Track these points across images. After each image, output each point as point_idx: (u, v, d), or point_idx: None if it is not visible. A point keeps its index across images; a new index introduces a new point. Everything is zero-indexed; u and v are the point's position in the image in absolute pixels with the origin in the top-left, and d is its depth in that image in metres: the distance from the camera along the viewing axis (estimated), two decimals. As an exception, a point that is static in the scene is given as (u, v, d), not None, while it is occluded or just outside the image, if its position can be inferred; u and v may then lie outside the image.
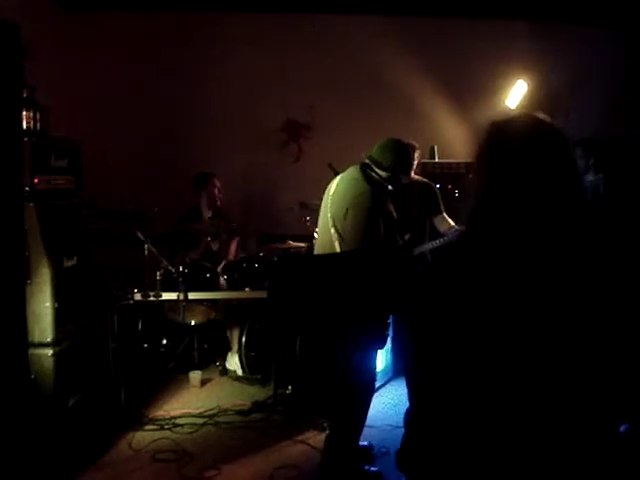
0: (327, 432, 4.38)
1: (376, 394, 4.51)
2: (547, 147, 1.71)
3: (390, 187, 4.31)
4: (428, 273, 1.82)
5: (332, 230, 4.17)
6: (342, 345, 4.17)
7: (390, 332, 5.03)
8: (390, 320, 4.20)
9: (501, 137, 1.76)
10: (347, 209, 4.09)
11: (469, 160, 7.01)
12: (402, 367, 5.05)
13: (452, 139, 7.31)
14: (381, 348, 4.26)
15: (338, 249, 4.11)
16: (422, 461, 1.77)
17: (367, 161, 4.23)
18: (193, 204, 6.45)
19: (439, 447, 1.71)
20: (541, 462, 1.58)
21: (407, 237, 4.99)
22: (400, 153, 4.24)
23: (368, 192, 4.06)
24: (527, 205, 1.66)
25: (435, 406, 1.73)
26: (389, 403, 5.30)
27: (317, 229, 4.59)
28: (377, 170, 4.17)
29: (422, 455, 1.77)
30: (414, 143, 5.83)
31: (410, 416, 1.82)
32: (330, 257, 4.14)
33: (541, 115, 1.79)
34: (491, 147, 1.77)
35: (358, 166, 4.23)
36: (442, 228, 5.58)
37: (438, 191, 5.94)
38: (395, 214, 4.42)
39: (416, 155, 5.84)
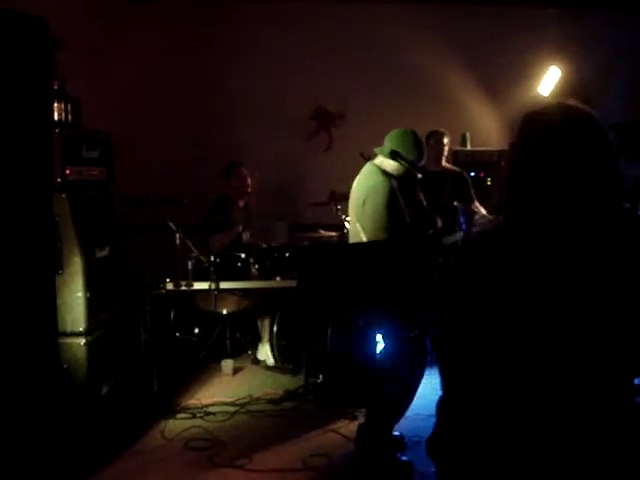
0: (360, 421, 4.38)
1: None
2: (583, 135, 1.69)
3: (420, 175, 4.30)
4: (462, 262, 1.81)
5: (355, 223, 4.21)
6: (372, 333, 4.17)
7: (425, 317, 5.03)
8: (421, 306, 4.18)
9: (536, 126, 1.75)
10: (364, 200, 4.14)
11: (501, 148, 6.96)
12: (435, 355, 5.03)
13: (484, 127, 7.24)
14: (413, 333, 4.23)
15: (364, 239, 4.12)
16: (452, 449, 1.76)
17: (379, 154, 4.25)
18: (223, 194, 6.45)
19: (469, 435, 1.71)
20: (571, 452, 1.56)
21: (439, 225, 4.97)
22: (409, 142, 4.22)
23: (380, 184, 4.08)
24: (562, 195, 1.65)
25: (466, 393, 1.73)
26: (421, 392, 5.26)
27: (348, 218, 4.60)
28: (394, 158, 4.17)
29: (452, 443, 1.76)
30: (442, 130, 5.78)
31: (441, 404, 1.82)
32: (359, 246, 4.14)
33: (575, 102, 1.76)
34: (526, 136, 1.76)
35: (372, 161, 4.27)
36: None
37: (470, 179, 5.90)
38: (425, 203, 4.41)
39: (446, 141, 5.79)
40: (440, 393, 1.86)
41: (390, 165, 4.21)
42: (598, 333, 1.55)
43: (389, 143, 4.23)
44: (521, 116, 1.80)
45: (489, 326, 1.66)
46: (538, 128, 1.74)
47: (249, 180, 6.44)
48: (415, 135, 4.27)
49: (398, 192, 4.12)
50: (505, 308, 1.63)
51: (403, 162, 4.17)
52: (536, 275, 1.61)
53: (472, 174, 6.29)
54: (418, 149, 4.23)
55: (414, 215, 4.22)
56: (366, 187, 4.19)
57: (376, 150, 4.31)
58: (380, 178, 4.14)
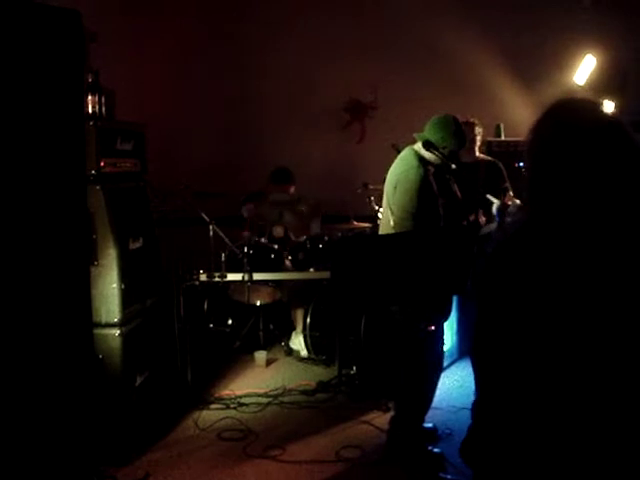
0: (392, 413, 4.38)
1: (442, 375, 4.46)
2: (607, 137, 1.66)
3: (453, 166, 4.27)
4: (493, 257, 1.79)
5: (387, 208, 4.20)
6: (406, 324, 4.16)
7: (455, 311, 5.01)
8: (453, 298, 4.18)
9: (550, 128, 1.72)
10: (395, 186, 4.13)
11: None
12: (468, 349, 5.00)
13: (518, 117, 7.15)
14: (443, 321, 4.21)
15: (392, 225, 4.11)
16: (487, 454, 1.75)
17: (418, 140, 4.21)
18: (263, 189, 6.45)
19: (505, 440, 1.69)
20: (605, 455, 1.54)
21: (472, 217, 4.94)
22: (449, 129, 4.17)
23: (414, 169, 4.06)
24: (585, 195, 1.63)
25: (502, 397, 1.70)
26: (454, 384, 5.25)
27: (381, 209, 4.58)
28: (428, 149, 4.14)
29: (488, 448, 1.74)
30: (472, 119, 5.72)
31: (476, 407, 1.81)
32: (392, 237, 4.12)
33: (597, 101, 1.74)
34: (540, 139, 1.74)
35: (411, 146, 4.23)
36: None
37: (504, 170, 5.84)
38: (459, 193, 4.37)
39: (478, 131, 5.73)
40: (473, 388, 1.84)
41: (428, 152, 4.18)
42: (632, 331, 1.53)
43: (428, 131, 4.19)
44: (543, 114, 1.77)
45: (523, 329, 1.64)
46: (558, 126, 1.71)
47: (290, 195, 6.44)
48: (455, 122, 4.22)
49: (433, 180, 4.09)
50: (537, 311, 1.61)
51: (437, 153, 4.14)
52: (566, 277, 1.59)
53: (506, 164, 6.21)
54: (457, 136, 4.18)
55: (448, 205, 4.19)
56: (399, 172, 4.17)
57: (415, 136, 4.27)
58: (415, 164, 4.10)
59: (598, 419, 1.55)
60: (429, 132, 4.17)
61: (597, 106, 1.74)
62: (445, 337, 4.35)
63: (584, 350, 1.55)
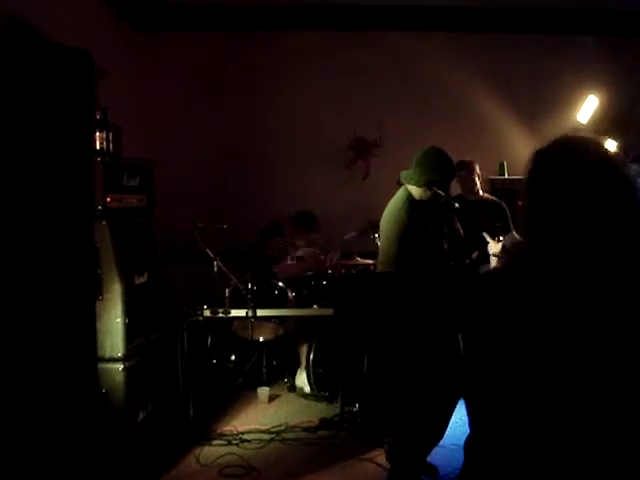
0: (389, 447, 4.35)
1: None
2: (599, 176, 1.67)
3: (457, 205, 4.30)
4: (485, 293, 1.80)
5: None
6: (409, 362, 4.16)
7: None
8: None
9: (547, 165, 1.74)
10: (382, 226, 4.20)
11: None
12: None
13: (522, 155, 7.12)
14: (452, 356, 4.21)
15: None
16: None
17: (403, 179, 4.26)
18: (278, 220, 6.52)
19: (499, 473, 1.69)
20: None
21: (475, 255, 4.96)
22: (428, 162, 4.19)
23: (399, 212, 4.10)
24: (577, 234, 1.64)
25: (495, 432, 1.70)
26: (458, 422, 5.22)
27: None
28: (430, 188, 4.17)
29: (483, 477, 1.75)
30: (470, 159, 5.77)
31: (470, 442, 1.80)
32: (394, 275, 4.14)
33: (596, 139, 1.76)
34: (537, 175, 1.75)
35: (406, 185, 4.27)
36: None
37: (508, 210, 5.87)
38: (462, 232, 4.40)
39: (477, 170, 5.77)
40: (467, 430, 1.84)
41: (417, 191, 4.20)
42: (630, 371, 1.54)
43: (416, 168, 4.20)
44: (534, 153, 1.79)
45: (515, 364, 1.64)
46: (553, 167, 1.73)
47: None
48: (438, 153, 4.24)
49: (421, 221, 4.10)
50: (530, 345, 1.61)
51: (439, 191, 4.17)
52: (561, 313, 1.59)
53: (509, 203, 6.24)
54: (439, 168, 4.19)
55: (450, 244, 4.22)
56: (386, 213, 4.21)
57: (403, 174, 4.29)
58: (401, 205, 4.13)
59: (589, 454, 1.55)
60: (414, 169, 4.19)
61: (597, 143, 1.75)
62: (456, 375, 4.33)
63: (577, 387, 1.55)
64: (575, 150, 1.74)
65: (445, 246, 4.29)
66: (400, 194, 4.26)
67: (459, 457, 1.87)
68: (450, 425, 5.02)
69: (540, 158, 1.77)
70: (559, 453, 1.57)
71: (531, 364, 1.61)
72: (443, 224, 4.31)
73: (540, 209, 1.72)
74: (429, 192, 4.16)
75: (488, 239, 5.19)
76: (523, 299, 1.65)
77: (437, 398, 4.15)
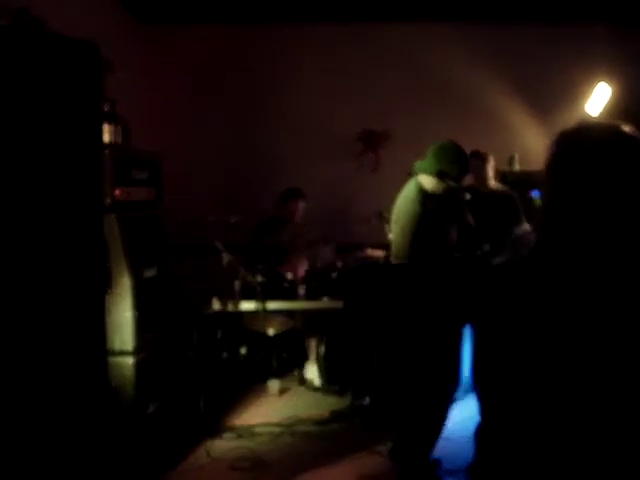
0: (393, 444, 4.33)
1: (455, 406, 4.43)
2: (620, 159, 1.62)
3: (468, 196, 4.28)
4: (493, 286, 1.78)
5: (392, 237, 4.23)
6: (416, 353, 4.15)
7: (468, 342, 4.98)
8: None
9: (569, 148, 1.71)
10: (394, 219, 4.21)
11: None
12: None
13: (532, 147, 7.16)
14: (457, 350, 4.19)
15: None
16: (493, 477, 1.73)
17: (417, 170, 4.23)
18: (274, 214, 6.49)
19: (509, 462, 1.68)
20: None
21: (486, 248, 4.93)
22: (448, 156, 4.17)
23: (412, 205, 4.07)
24: (598, 218, 1.60)
25: (506, 422, 1.69)
26: (467, 415, 5.20)
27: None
28: (442, 179, 4.14)
29: (493, 470, 1.73)
30: (483, 151, 5.74)
31: (480, 431, 1.79)
32: (405, 266, 4.12)
33: (617, 123, 1.71)
34: (559, 159, 1.72)
35: (416, 176, 4.25)
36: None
37: (519, 200, 5.83)
38: (473, 224, 4.38)
39: (490, 162, 5.75)
40: (477, 419, 1.82)
41: (430, 182, 4.17)
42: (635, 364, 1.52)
43: (431, 159, 4.18)
44: (557, 136, 1.73)
45: (526, 356, 1.62)
46: (577, 149, 1.69)
47: (301, 213, 6.48)
48: (455, 148, 4.22)
49: (434, 213, 4.08)
50: (540, 337, 1.59)
51: (451, 183, 4.15)
52: (571, 304, 1.57)
53: (520, 194, 6.21)
54: (458, 163, 4.17)
55: (460, 235, 4.19)
56: (399, 206, 4.19)
57: (417, 165, 4.27)
58: (414, 197, 4.11)
59: (598, 443, 1.53)
60: (433, 160, 4.16)
61: (617, 126, 1.71)
62: (461, 368, 4.32)
63: (587, 378, 1.53)
64: (596, 133, 1.70)
65: (455, 239, 4.27)
66: (412, 187, 4.24)
67: (468, 449, 1.85)
68: (460, 418, 5.03)
69: (560, 143, 1.73)
70: (568, 442, 1.56)
71: (541, 354, 1.59)
72: (455, 217, 4.28)
73: (559, 195, 1.68)
74: (443, 184, 4.14)
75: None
76: (535, 291, 1.63)
77: (436, 391, 4.13)
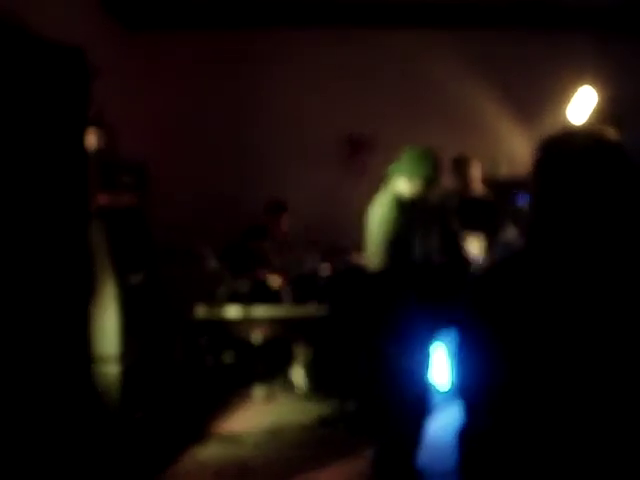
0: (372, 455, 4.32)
1: (439, 413, 4.44)
2: (604, 163, 1.66)
3: (453, 201, 4.31)
4: (481, 287, 1.79)
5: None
6: (396, 357, 4.14)
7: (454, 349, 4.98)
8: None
9: (554, 153, 1.73)
10: (368, 225, 4.21)
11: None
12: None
13: (517, 151, 7.20)
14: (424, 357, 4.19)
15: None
16: (480, 476, 1.74)
17: (391, 174, 4.23)
18: (260, 222, 6.49)
19: (497, 464, 1.68)
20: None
21: (472, 252, 4.95)
22: (427, 162, 4.17)
23: (386, 211, 4.08)
24: (583, 223, 1.63)
25: (490, 425, 1.70)
26: (452, 423, 5.21)
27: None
28: (404, 182, 4.16)
29: (479, 470, 1.74)
30: (469, 156, 5.77)
31: (464, 431, 1.79)
32: (388, 272, 4.12)
33: (600, 129, 1.74)
34: (544, 164, 1.74)
35: (392, 181, 4.25)
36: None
37: (501, 207, 5.87)
38: (456, 228, 4.39)
39: (475, 167, 5.77)
40: (460, 422, 1.83)
41: (405, 187, 4.16)
42: (629, 368, 1.53)
43: (411, 162, 4.17)
44: (543, 141, 1.77)
45: (511, 358, 1.63)
46: (562, 154, 1.71)
47: (285, 227, 6.48)
48: (433, 153, 4.22)
49: (407, 218, 4.08)
50: (526, 339, 1.60)
51: (429, 187, 4.17)
52: (558, 306, 1.58)
53: (504, 199, 6.24)
54: (436, 168, 4.17)
55: (445, 240, 4.20)
56: (373, 213, 4.19)
57: (393, 167, 4.26)
58: (387, 203, 4.11)
59: (586, 448, 1.55)
60: (407, 162, 4.15)
61: (598, 133, 1.74)
62: (431, 376, 4.31)
63: (575, 382, 1.55)
64: (580, 139, 1.73)
65: (434, 244, 4.26)
66: (386, 193, 4.23)
67: (452, 454, 1.86)
68: (445, 426, 5.04)
69: (546, 148, 1.76)
70: (555, 446, 1.57)
71: (529, 356, 1.60)
72: (431, 221, 4.28)
73: (546, 199, 1.71)
74: (421, 187, 4.13)
75: (470, 239, 5.20)
76: (525, 293, 1.64)
77: (413, 398, 4.13)
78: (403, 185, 4.16)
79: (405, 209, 4.09)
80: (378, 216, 4.13)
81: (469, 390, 1.78)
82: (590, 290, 1.57)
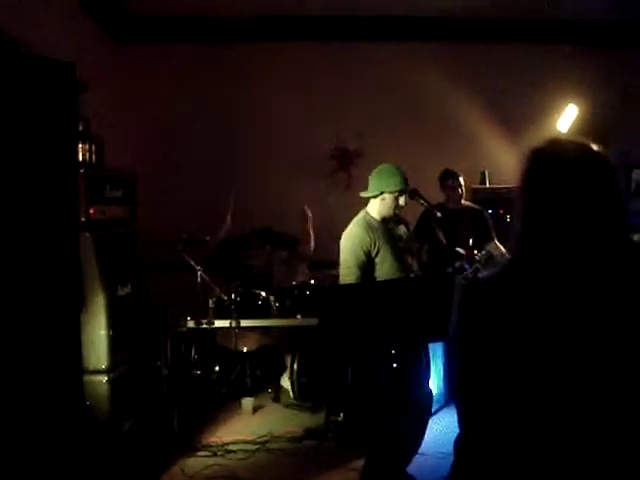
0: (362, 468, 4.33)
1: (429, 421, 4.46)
2: (591, 173, 1.70)
3: (439, 214, 4.34)
4: (474, 300, 1.82)
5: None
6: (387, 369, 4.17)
7: (442, 357, 5.03)
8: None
9: (543, 163, 1.77)
10: (340, 249, 4.23)
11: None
12: (452, 393, 5.02)
13: (503, 164, 7.27)
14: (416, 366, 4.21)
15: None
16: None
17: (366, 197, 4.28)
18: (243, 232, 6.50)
19: (490, 475, 1.71)
20: None
21: (457, 265, 4.99)
22: (383, 174, 4.22)
23: (354, 237, 4.13)
24: (570, 232, 1.66)
25: (486, 433, 1.71)
26: (442, 430, 5.23)
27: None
28: (413, 197, 4.21)
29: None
30: (456, 170, 5.83)
31: (460, 442, 1.81)
32: (378, 285, 4.16)
33: (586, 140, 1.78)
34: (533, 173, 1.77)
35: (365, 208, 4.30)
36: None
37: (489, 217, 5.92)
38: (444, 241, 4.43)
39: (460, 180, 5.83)
40: (457, 432, 1.85)
41: (376, 208, 4.22)
42: (620, 374, 1.56)
43: (390, 177, 4.20)
44: (530, 151, 1.80)
45: (507, 367, 1.65)
46: (549, 164, 1.75)
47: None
48: (392, 169, 4.25)
49: (378, 239, 4.12)
50: (521, 348, 1.63)
51: (422, 201, 4.21)
52: (552, 314, 1.61)
53: (490, 211, 6.30)
54: (395, 179, 4.21)
55: (432, 253, 4.25)
56: (345, 235, 4.23)
57: (362, 195, 4.31)
58: (356, 230, 4.16)
59: (581, 456, 1.57)
60: (386, 178, 4.19)
61: (584, 144, 1.77)
62: (425, 384, 4.34)
63: (570, 389, 1.57)
64: (568, 149, 1.77)
65: (411, 262, 4.31)
66: (359, 216, 4.28)
67: (444, 465, 1.87)
68: (435, 434, 5.06)
69: (533, 158, 1.79)
70: (551, 455, 1.59)
71: (525, 367, 1.62)
72: (409, 239, 4.34)
73: (535, 208, 1.74)
74: (393, 202, 4.16)
75: (462, 251, 5.24)
76: (518, 302, 1.67)
77: (406, 408, 4.15)
78: (374, 205, 4.22)
79: (374, 230, 4.15)
80: (349, 238, 4.17)
81: (468, 399, 1.79)
82: (586, 298, 1.60)
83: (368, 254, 4.08)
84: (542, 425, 1.60)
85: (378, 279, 4.11)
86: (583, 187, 1.68)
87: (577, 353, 1.58)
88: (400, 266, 4.16)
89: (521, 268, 1.74)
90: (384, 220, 4.22)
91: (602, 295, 1.60)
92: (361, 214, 4.28)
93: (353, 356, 5.23)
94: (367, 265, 4.08)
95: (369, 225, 4.16)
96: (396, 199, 4.15)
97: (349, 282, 4.07)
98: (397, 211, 4.20)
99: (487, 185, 7.39)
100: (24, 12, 4.80)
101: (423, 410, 4.28)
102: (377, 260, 4.10)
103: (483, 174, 7.41)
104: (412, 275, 4.26)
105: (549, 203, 1.71)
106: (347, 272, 4.10)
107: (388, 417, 4.15)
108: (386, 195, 4.15)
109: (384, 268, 4.10)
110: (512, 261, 1.81)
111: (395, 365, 4.02)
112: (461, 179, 5.84)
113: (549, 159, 1.77)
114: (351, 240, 4.14)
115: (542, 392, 1.60)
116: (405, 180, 4.16)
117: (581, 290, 1.61)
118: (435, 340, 4.29)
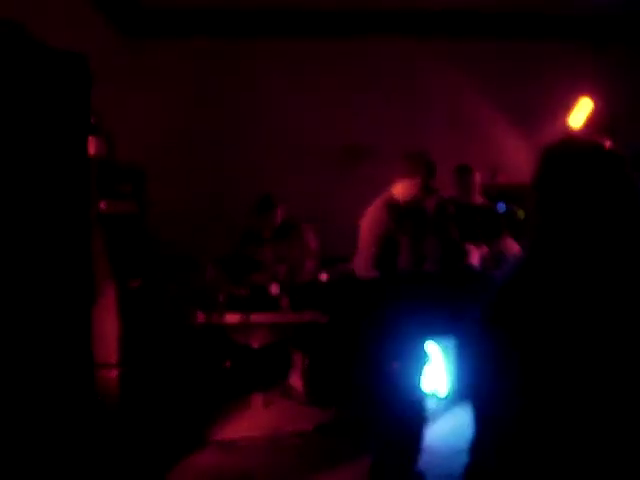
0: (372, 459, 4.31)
1: (438, 418, 4.44)
2: (604, 172, 1.69)
3: (453, 209, 4.32)
4: (495, 297, 1.80)
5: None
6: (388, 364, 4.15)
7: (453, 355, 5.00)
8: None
9: (557, 162, 1.75)
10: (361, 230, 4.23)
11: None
12: (464, 392, 4.99)
13: (515, 160, 7.23)
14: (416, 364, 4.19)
15: None
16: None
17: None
18: (249, 226, 6.48)
19: (505, 476, 1.69)
20: None
21: (468, 261, 4.96)
22: (409, 164, 4.19)
23: (373, 214, 4.09)
24: (585, 231, 1.65)
25: (500, 436, 1.70)
26: (452, 428, 5.21)
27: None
28: (400, 184, 4.18)
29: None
30: (470, 166, 5.80)
31: (474, 443, 1.79)
32: (386, 279, 4.13)
33: (599, 138, 1.76)
34: (547, 173, 1.76)
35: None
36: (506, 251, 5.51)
37: (501, 214, 5.88)
38: (457, 236, 4.40)
39: (475, 176, 5.80)
40: (471, 430, 1.83)
41: (400, 191, 4.18)
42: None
43: (400, 168, 4.19)
44: (543, 151, 1.80)
45: (523, 368, 1.64)
46: (563, 163, 1.74)
47: (278, 220, 6.46)
48: (421, 156, 4.24)
49: (397, 222, 4.08)
50: (537, 350, 1.61)
51: (438, 194, 4.19)
52: (567, 315, 1.60)
53: (502, 208, 6.26)
54: (423, 170, 4.18)
55: (445, 248, 4.21)
56: (365, 215, 4.21)
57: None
58: (378, 206, 4.13)
59: (596, 458, 1.55)
60: (398, 168, 4.19)
61: (596, 143, 1.76)
62: (425, 383, 4.31)
63: (584, 392, 1.56)
64: (582, 148, 1.76)
65: (428, 251, 4.27)
66: (380, 197, 4.25)
67: (454, 462, 1.86)
68: (445, 431, 5.04)
69: (547, 158, 1.77)
70: (564, 456, 1.57)
71: (541, 366, 1.61)
72: (427, 228, 4.30)
73: (549, 208, 1.72)
74: (415, 190, 4.14)
75: (472, 248, 5.21)
76: (534, 299, 1.66)
77: (408, 405, 4.13)
78: (398, 189, 4.19)
79: (396, 213, 4.11)
80: (369, 219, 4.14)
81: (483, 400, 1.78)
82: (604, 298, 1.58)
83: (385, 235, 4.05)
84: (558, 426, 1.59)
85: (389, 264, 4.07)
86: (597, 186, 1.67)
87: (598, 352, 1.56)
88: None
89: (537, 267, 1.72)
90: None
91: (620, 293, 1.58)
92: (382, 195, 4.26)
93: (363, 351, 5.21)
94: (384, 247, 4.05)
95: (389, 206, 4.13)
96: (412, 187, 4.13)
97: (365, 265, 4.04)
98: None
99: (499, 181, 7.33)
100: (34, 5, 4.78)
101: (415, 409, 4.23)
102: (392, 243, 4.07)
103: (495, 170, 7.36)
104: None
105: (563, 202, 1.70)
106: (365, 253, 4.08)
107: (380, 417, 4.14)
108: None
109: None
110: (527, 260, 1.80)
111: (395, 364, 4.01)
112: (476, 175, 5.80)
113: (565, 157, 1.75)
114: (370, 220, 4.12)
115: (562, 394, 1.59)
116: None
117: (602, 291, 1.59)
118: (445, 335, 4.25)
